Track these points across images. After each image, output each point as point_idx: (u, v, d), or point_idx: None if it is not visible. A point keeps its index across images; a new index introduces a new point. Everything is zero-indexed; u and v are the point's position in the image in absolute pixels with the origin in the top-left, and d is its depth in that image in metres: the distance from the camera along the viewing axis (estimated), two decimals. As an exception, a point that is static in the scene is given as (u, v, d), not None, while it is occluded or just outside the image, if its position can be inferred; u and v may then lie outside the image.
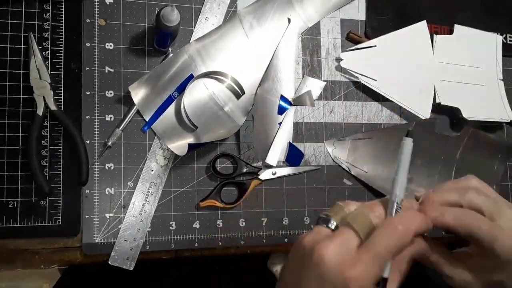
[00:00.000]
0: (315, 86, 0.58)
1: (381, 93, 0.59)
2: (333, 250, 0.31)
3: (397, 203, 0.34)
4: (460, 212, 0.35)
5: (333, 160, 0.58)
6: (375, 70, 0.60)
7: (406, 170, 0.35)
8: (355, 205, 0.35)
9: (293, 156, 0.57)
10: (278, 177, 0.56)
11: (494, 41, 0.65)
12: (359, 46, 0.60)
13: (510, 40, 0.67)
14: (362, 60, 0.60)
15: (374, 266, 0.31)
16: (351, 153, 0.59)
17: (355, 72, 0.59)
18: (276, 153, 0.55)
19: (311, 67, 0.59)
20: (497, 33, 0.66)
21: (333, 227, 0.34)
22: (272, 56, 0.57)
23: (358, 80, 0.60)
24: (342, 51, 0.60)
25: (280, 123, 0.56)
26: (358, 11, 0.62)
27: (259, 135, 0.56)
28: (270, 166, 0.55)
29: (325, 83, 0.59)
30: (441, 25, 0.64)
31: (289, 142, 0.57)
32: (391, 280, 0.33)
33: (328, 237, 0.32)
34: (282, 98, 0.56)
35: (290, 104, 0.56)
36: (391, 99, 0.59)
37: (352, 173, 0.58)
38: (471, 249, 0.38)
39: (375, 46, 0.60)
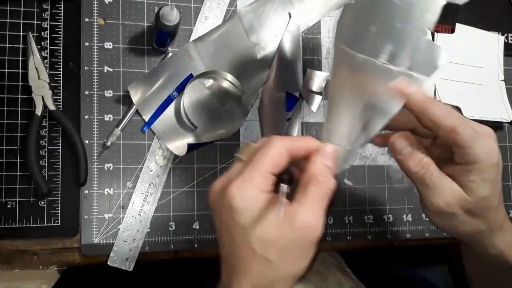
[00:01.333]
0: (319, 78, 0.58)
1: (381, 92, 0.59)
2: (220, 180, 0.35)
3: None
4: (449, 109, 0.36)
5: None
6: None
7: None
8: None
9: None
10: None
11: (496, 41, 0.65)
12: (359, 45, 0.60)
13: (511, 40, 0.66)
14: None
15: (252, 176, 0.33)
16: None
17: None
18: None
19: (311, 67, 0.59)
20: (499, 33, 0.65)
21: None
22: (275, 53, 0.56)
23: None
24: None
25: (288, 119, 0.56)
26: (358, 11, 0.61)
27: (267, 133, 0.55)
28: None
29: (328, 74, 0.59)
30: (443, 24, 0.63)
31: None
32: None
33: (235, 174, 0.34)
34: (289, 94, 0.56)
35: (297, 99, 0.56)
36: (391, 98, 0.59)
37: None
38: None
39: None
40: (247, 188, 0.32)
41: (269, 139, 0.35)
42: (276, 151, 0.34)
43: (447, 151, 0.38)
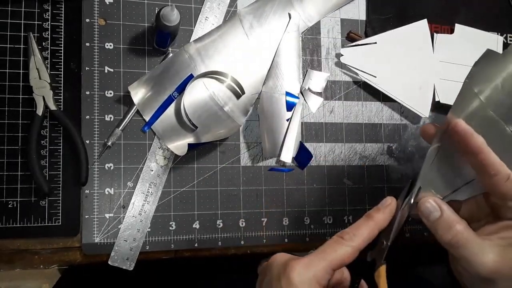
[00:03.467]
0: (319, 79, 0.58)
1: (380, 90, 0.59)
2: (285, 254, 0.36)
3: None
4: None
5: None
6: (375, 67, 0.59)
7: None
8: None
9: (302, 155, 0.57)
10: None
11: (494, 41, 0.65)
12: (359, 42, 0.60)
13: (510, 40, 0.67)
14: (362, 56, 0.60)
15: (317, 264, 0.34)
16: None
17: (355, 68, 0.59)
18: (290, 150, 0.55)
19: (311, 67, 0.59)
20: (498, 33, 0.66)
21: None
22: (275, 54, 0.57)
23: (358, 80, 0.60)
24: (343, 47, 0.60)
25: (288, 120, 0.56)
26: (358, 11, 0.62)
27: (267, 133, 0.56)
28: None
29: (329, 74, 0.59)
30: (442, 24, 0.64)
31: (300, 142, 0.57)
32: None
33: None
34: (288, 94, 0.56)
35: (297, 99, 0.56)
36: (390, 96, 0.59)
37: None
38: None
39: (375, 43, 0.60)
40: (309, 271, 0.34)
41: (344, 236, 0.35)
42: (347, 251, 0.35)
43: (484, 208, 0.36)
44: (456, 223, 0.34)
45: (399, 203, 0.37)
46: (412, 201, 0.36)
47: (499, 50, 0.65)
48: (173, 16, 0.47)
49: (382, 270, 0.36)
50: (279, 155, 0.55)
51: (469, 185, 0.36)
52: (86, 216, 0.50)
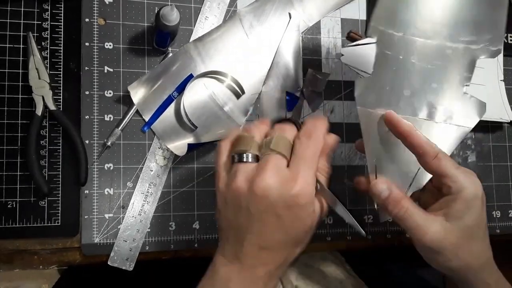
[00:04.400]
0: (319, 78, 0.58)
1: (381, 91, 0.59)
2: (271, 179, 0.35)
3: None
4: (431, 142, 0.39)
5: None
6: (375, 68, 0.59)
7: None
8: (258, 129, 0.40)
9: None
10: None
11: (495, 40, 0.65)
12: (360, 42, 0.60)
13: (510, 40, 0.66)
14: (362, 56, 0.60)
15: (309, 174, 0.36)
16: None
17: (355, 68, 0.59)
18: None
19: (311, 67, 0.59)
20: (498, 33, 0.66)
21: (251, 159, 0.37)
22: (275, 53, 0.57)
23: (358, 80, 0.60)
24: (343, 47, 0.60)
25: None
26: (358, 11, 0.61)
27: None
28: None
29: (329, 74, 0.59)
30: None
31: None
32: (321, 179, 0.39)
33: (258, 170, 0.36)
34: (289, 94, 0.56)
35: (297, 99, 0.56)
36: (391, 98, 0.59)
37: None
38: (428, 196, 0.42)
39: (375, 43, 0.60)
40: (310, 184, 0.36)
41: (311, 128, 0.39)
42: (320, 140, 0.38)
43: (435, 195, 0.40)
44: (402, 199, 0.38)
45: None
46: None
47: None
48: (173, 16, 0.47)
49: None
50: None
51: (419, 174, 0.41)
52: (86, 217, 0.50)
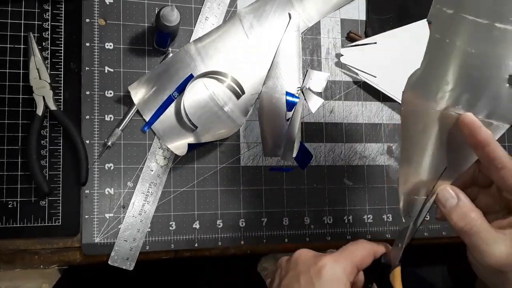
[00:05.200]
0: (319, 78, 0.58)
1: (380, 89, 0.59)
2: (309, 251, 0.38)
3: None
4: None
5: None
6: (375, 67, 0.59)
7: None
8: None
9: (303, 156, 0.57)
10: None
11: (494, 41, 0.65)
12: (359, 42, 0.60)
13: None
14: (362, 56, 0.60)
15: (345, 261, 0.36)
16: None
17: (355, 68, 0.59)
18: (293, 150, 0.56)
19: (311, 67, 0.59)
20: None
21: None
22: (275, 54, 0.57)
23: (358, 80, 0.60)
24: (343, 47, 0.60)
25: (288, 120, 0.56)
26: (358, 11, 0.62)
27: (267, 133, 0.56)
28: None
29: (329, 74, 0.59)
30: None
31: (301, 142, 0.57)
32: None
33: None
34: (288, 94, 0.56)
35: (297, 99, 0.56)
36: (390, 96, 0.59)
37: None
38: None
39: (375, 43, 0.60)
40: (339, 266, 0.35)
41: (359, 241, 0.38)
42: (365, 250, 0.37)
43: (499, 200, 0.36)
44: (471, 211, 0.34)
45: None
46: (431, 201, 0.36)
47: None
48: (173, 16, 0.47)
49: (397, 271, 0.37)
50: (283, 155, 0.56)
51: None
52: (86, 216, 0.50)
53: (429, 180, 0.36)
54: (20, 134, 0.49)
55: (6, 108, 0.49)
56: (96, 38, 0.52)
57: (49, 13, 0.51)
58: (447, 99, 0.35)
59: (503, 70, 0.34)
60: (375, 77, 0.59)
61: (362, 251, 0.37)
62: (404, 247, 0.37)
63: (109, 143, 0.51)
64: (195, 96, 0.54)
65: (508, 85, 0.34)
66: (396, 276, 0.37)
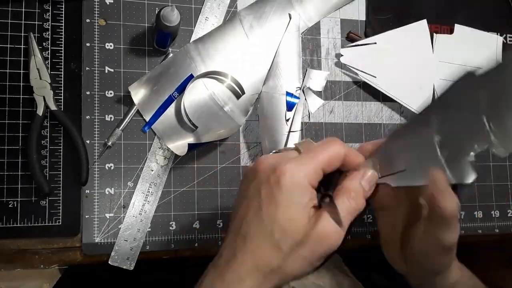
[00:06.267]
0: (319, 78, 0.58)
1: (380, 90, 0.59)
2: (272, 156, 0.34)
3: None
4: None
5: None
6: (374, 67, 0.60)
7: None
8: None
9: None
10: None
11: (494, 41, 0.65)
12: (359, 42, 0.60)
13: (510, 40, 0.67)
14: (361, 56, 0.60)
15: (308, 164, 0.33)
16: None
17: (355, 68, 0.59)
18: None
19: (311, 67, 0.59)
20: (498, 34, 0.66)
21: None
22: (275, 54, 0.57)
23: (358, 80, 0.60)
24: (342, 47, 0.60)
25: (287, 120, 0.56)
26: (358, 11, 0.62)
27: (267, 133, 0.56)
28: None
29: (328, 73, 0.59)
30: (442, 25, 0.64)
31: None
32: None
33: None
34: (288, 94, 0.56)
35: (297, 99, 0.56)
36: (390, 96, 0.59)
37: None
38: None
39: (375, 43, 0.60)
40: (299, 171, 0.32)
41: (331, 140, 0.35)
42: (334, 152, 0.34)
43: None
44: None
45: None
46: None
47: (499, 50, 0.65)
48: (173, 17, 0.47)
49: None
50: None
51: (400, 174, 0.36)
52: (87, 216, 0.50)
53: None
54: (20, 134, 0.49)
55: (7, 108, 0.49)
56: (96, 38, 0.52)
57: (49, 13, 0.51)
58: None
59: None
60: (375, 77, 0.59)
61: (330, 152, 0.34)
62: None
63: (110, 143, 0.51)
64: (195, 96, 0.54)
65: None
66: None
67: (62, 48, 0.51)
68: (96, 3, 0.52)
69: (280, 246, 0.32)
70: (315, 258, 0.33)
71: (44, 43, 0.51)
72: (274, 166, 0.33)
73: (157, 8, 0.54)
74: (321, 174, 0.34)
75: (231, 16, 0.57)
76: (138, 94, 0.52)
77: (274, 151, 0.38)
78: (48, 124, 0.50)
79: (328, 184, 0.36)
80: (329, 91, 0.59)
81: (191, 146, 0.52)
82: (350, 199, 0.34)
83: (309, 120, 0.58)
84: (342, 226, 0.32)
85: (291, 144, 0.56)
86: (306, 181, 0.32)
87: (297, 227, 0.32)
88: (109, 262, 0.50)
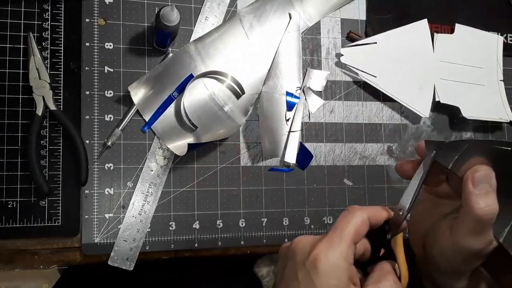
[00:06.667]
0: (319, 77, 0.58)
1: (380, 89, 0.59)
2: (307, 238, 0.34)
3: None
4: None
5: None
6: (375, 66, 0.59)
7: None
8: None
9: (303, 156, 0.57)
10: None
11: (495, 41, 0.65)
12: (359, 42, 0.60)
13: (510, 40, 0.67)
14: (362, 56, 0.60)
15: (338, 243, 0.32)
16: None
17: (355, 68, 0.59)
18: (293, 150, 0.55)
19: (311, 67, 0.59)
20: (498, 33, 0.66)
21: None
22: (275, 54, 0.57)
23: (358, 80, 0.60)
24: (343, 47, 0.60)
25: (287, 120, 0.56)
26: (358, 11, 0.62)
27: (267, 133, 0.56)
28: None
29: (329, 72, 0.59)
30: (442, 24, 0.63)
31: (300, 143, 0.57)
32: None
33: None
34: (289, 94, 0.56)
35: (297, 99, 0.56)
36: (390, 96, 0.59)
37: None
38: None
39: (375, 43, 0.60)
40: (334, 253, 0.32)
41: (350, 210, 0.35)
42: (359, 219, 0.34)
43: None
44: (495, 200, 0.32)
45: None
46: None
47: (500, 50, 0.65)
48: (173, 16, 0.47)
49: (399, 238, 0.35)
50: (283, 155, 0.55)
51: None
52: (86, 216, 0.50)
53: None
54: (20, 134, 0.49)
55: (6, 108, 0.49)
56: (96, 38, 0.52)
57: (49, 13, 0.51)
58: None
59: None
60: (375, 77, 0.59)
61: (355, 222, 0.34)
62: (406, 214, 0.35)
63: (109, 143, 0.51)
64: (195, 96, 0.54)
65: None
66: (398, 243, 0.35)
67: (62, 48, 0.51)
68: (96, 3, 0.52)
69: None
70: None
71: (43, 43, 0.50)
72: (310, 248, 0.33)
73: (157, 8, 0.54)
74: (354, 247, 0.34)
75: (231, 15, 0.56)
76: (137, 94, 0.52)
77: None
78: (48, 124, 0.50)
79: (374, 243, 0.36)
80: (329, 91, 0.59)
81: (191, 146, 0.52)
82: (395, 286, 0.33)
83: (309, 120, 0.58)
84: None
85: (291, 144, 0.56)
86: (342, 261, 0.32)
87: None
88: (108, 263, 0.50)
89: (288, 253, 0.35)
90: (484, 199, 0.31)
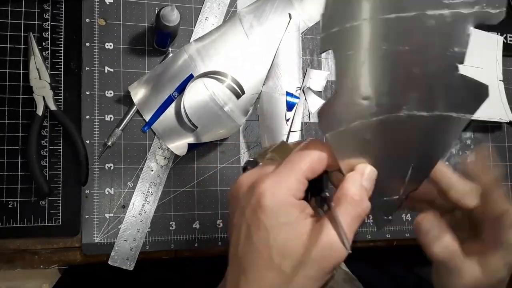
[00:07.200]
0: (319, 77, 0.58)
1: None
2: (249, 174, 0.31)
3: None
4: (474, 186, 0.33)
5: None
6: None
7: None
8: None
9: None
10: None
11: (494, 41, 0.65)
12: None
13: (510, 40, 0.67)
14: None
15: (287, 177, 0.29)
16: None
17: None
18: None
19: (311, 67, 0.59)
20: (498, 34, 0.66)
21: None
22: (275, 54, 0.57)
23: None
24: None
25: (287, 120, 0.56)
26: (358, 11, 0.62)
27: (267, 133, 0.56)
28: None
29: (328, 72, 0.59)
30: (441, 25, 0.64)
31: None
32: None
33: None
34: (288, 94, 0.56)
35: (297, 99, 0.56)
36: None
37: None
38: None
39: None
40: (280, 188, 0.29)
41: (311, 142, 0.31)
42: (316, 155, 0.30)
43: (465, 226, 0.35)
44: (451, 241, 0.33)
45: None
46: None
47: (499, 50, 0.65)
48: (173, 16, 0.47)
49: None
50: None
51: None
52: (86, 216, 0.50)
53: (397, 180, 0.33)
54: (20, 134, 0.49)
55: (6, 108, 0.49)
56: (96, 38, 0.52)
57: (49, 13, 0.51)
58: (389, 106, 0.31)
59: (448, 58, 0.31)
60: (375, 77, 0.59)
61: (311, 158, 0.30)
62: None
63: (109, 143, 0.51)
64: (195, 96, 0.54)
65: (459, 72, 0.31)
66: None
67: (62, 48, 0.51)
68: (96, 3, 0.52)
69: (283, 271, 0.29)
70: (323, 274, 0.30)
71: (44, 43, 0.51)
72: (253, 186, 0.30)
73: (157, 8, 0.54)
74: (306, 182, 0.30)
75: (231, 15, 0.57)
76: (138, 94, 0.52)
77: (249, 158, 0.34)
78: (48, 124, 0.50)
79: (318, 186, 0.32)
80: (329, 91, 0.59)
81: (191, 146, 0.52)
82: (355, 205, 0.30)
83: (309, 120, 0.58)
84: (348, 236, 0.29)
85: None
86: (289, 197, 0.29)
87: (296, 247, 0.29)
88: (108, 262, 0.50)
89: (233, 197, 0.32)
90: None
